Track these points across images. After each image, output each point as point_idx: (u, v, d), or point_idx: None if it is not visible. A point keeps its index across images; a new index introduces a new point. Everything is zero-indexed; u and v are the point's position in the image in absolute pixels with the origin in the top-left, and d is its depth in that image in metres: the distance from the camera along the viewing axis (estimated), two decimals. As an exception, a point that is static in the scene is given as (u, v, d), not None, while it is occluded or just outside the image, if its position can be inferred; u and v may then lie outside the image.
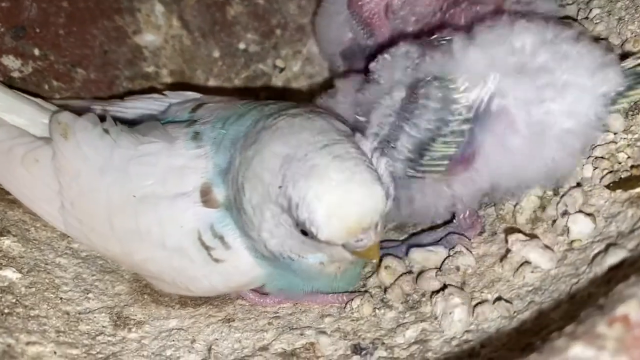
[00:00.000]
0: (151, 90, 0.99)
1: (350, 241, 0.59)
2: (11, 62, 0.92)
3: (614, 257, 0.57)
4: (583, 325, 0.43)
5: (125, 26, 1.02)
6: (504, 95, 0.63)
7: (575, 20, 0.79)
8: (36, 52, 0.94)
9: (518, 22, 0.65)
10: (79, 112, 0.78)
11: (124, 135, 0.72)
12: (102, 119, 0.76)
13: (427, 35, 0.73)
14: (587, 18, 0.80)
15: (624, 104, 0.65)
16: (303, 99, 1.03)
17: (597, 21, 0.78)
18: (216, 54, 1.07)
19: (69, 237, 0.79)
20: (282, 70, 1.09)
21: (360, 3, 0.84)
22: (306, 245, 0.62)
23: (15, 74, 0.92)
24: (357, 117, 0.71)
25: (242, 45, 1.08)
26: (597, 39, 0.71)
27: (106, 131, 0.73)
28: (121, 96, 0.99)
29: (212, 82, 1.06)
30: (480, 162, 0.65)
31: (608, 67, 0.63)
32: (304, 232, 0.60)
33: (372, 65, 0.72)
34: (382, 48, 0.83)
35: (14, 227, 0.78)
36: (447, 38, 0.68)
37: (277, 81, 1.09)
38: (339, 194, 0.58)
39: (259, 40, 1.08)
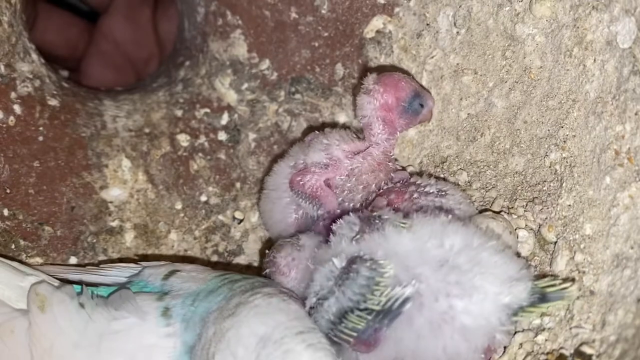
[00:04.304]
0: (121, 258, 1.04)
1: None
2: (-19, 224, 0.95)
3: None
4: None
5: (93, 182, 1.07)
6: (422, 280, 0.71)
7: (498, 213, 0.87)
8: (5, 212, 0.98)
9: (452, 224, 0.74)
10: (58, 279, 0.82)
11: (98, 310, 0.76)
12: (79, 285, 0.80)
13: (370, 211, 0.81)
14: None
15: (523, 318, 0.73)
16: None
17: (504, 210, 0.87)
18: (178, 205, 1.12)
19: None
20: (240, 221, 1.15)
21: (301, 182, 0.93)
22: None
23: (-16, 235, 0.95)
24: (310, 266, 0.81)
25: (203, 198, 1.14)
26: (519, 254, 0.80)
27: (82, 305, 0.77)
28: (86, 252, 1.04)
29: (173, 234, 1.11)
30: (385, 339, 0.72)
31: (518, 282, 0.70)
32: None
33: (333, 228, 0.80)
34: (334, 215, 0.92)
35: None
36: (385, 217, 0.76)
37: (236, 232, 1.14)
38: None
39: (219, 192, 1.15)
